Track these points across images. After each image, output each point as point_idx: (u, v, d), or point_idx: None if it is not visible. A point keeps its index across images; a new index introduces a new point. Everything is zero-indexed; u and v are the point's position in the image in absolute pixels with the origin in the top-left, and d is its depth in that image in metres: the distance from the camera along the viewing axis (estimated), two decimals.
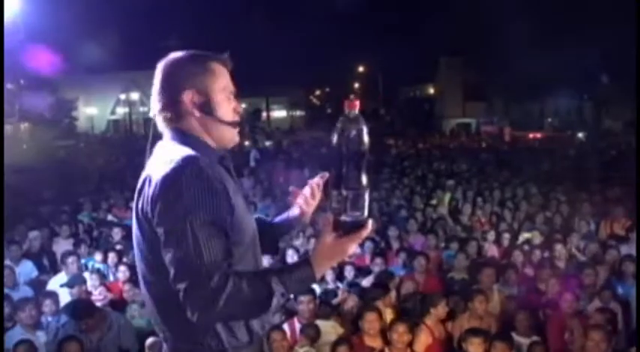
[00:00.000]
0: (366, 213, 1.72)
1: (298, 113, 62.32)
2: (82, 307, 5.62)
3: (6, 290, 6.29)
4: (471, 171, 16.00)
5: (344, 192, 1.65)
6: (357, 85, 65.72)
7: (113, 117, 47.49)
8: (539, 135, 32.89)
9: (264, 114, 51.76)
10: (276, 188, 13.38)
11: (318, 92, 72.13)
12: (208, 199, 1.68)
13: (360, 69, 63.09)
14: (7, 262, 7.19)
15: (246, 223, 1.88)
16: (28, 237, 8.54)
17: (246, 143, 24.45)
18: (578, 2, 29.99)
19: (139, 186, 1.83)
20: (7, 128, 26.98)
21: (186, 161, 1.72)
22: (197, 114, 1.89)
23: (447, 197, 11.62)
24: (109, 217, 10.69)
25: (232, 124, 1.94)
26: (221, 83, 1.93)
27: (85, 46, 29.12)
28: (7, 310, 5.67)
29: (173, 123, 1.90)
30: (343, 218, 1.71)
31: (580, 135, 31.19)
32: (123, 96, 45.10)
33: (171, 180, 1.69)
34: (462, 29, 38.82)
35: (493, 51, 36.05)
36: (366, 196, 1.69)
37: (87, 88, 39.03)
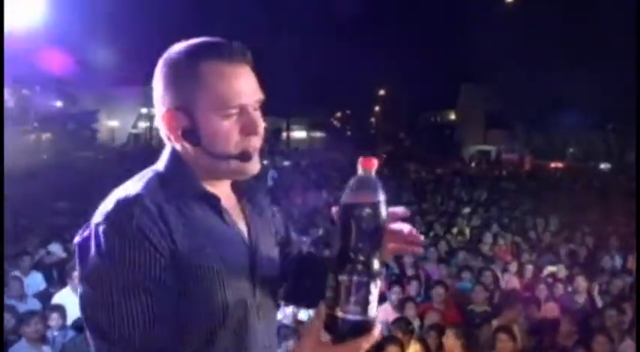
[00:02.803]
0: (372, 312, 1.20)
1: (318, 134, 62.37)
2: None
3: (13, 302, 6.17)
4: (492, 198, 15.74)
5: (344, 278, 1.18)
6: (378, 108, 65.84)
7: (134, 130, 47.85)
8: (560, 165, 32.50)
9: (284, 134, 51.83)
10: (293, 209, 13.24)
11: (339, 114, 72.26)
12: (132, 253, 1.24)
13: (382, 92, 63.19)
14: (16, 273, 7.09)
15: (227, 290, 1.33)
16: (42, 248, 8.43)
17: (265, 162, 24.42)
18: (603, 30, 29.73)
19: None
20: (29, 138, 27.26)
21: (123, 204, 1.28)
22: (182, 142, 1.38)
23: (465, 225, 11.41)
24: None
25: (232, 157, 1.37)
26: (213, 95, 1.33)
27: (108, 59, 29.41)
28: (12, 323, 5.53)
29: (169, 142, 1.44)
30: (340, 314, 1.19)
31: (602, 166, 30.76)
32: (145, 110, 45.48)
33: (98, 232, 1.27)
34: (485, 56, 38.70)
35: (515, 79, 35.85)
36: (376, 288, 1.20)
37: (109, 101, 39.41)
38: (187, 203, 1.35)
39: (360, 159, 1.22)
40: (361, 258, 1.18)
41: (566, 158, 38.15)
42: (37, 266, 7.74)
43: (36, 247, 8.57)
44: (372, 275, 1.18)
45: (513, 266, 8.18)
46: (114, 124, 46.46)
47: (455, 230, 10.99)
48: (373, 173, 1.21)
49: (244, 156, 1.37)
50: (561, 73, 31.41)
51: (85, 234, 1.29)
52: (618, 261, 8.90)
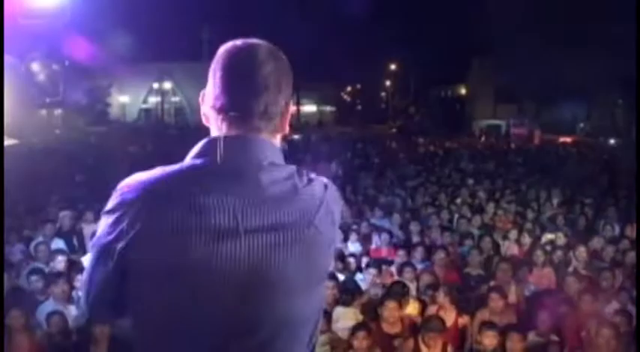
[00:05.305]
0: None
1: (328, 108, 62.42)
2: None
3: (40, 265, 6.58)
4: (498, 171, 15.98)
5: None
6: (388, 83, 65.72)
7: (145, 105, 48.16)
8: (569, 140, 32.52)
9: (294, 107, 51.91)
10: None
11: (349, 88, 72.16)
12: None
13: (392, 67, 62.99)
14: (41, 239, 7.53)
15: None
16: (59, 217, 8.82)
17: None
18: (612, 5, 29.54)
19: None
20: (42, 113, 27.64)
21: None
22: (286, 127, 1.56)
23: (468, 196, 11.70)
24: None
25: None
26: None
27: (120, 35, 29.64)
28: (40, 284, 5.95)
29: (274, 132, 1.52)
30: None
31: (612, 141, 30.77)
32: (156, 86, 45.72)
33: None
34: (495, 30, 38.51)
35: (526, 53, 35.73)
36: None
37: (121, 76, 39.66)
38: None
39: None
40: None
41: (575, 133, 38.12)
42: (58, 233, 8.15)
43: (54, 216, 8.96)
44: None
45: (513, 234, 8.48)
46: (125, 99, 46.77)
47: (459, 200, 11.28)
48: None
49: None
50: (572, 47, 31.31)
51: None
52: (617, 230, 9.15)
